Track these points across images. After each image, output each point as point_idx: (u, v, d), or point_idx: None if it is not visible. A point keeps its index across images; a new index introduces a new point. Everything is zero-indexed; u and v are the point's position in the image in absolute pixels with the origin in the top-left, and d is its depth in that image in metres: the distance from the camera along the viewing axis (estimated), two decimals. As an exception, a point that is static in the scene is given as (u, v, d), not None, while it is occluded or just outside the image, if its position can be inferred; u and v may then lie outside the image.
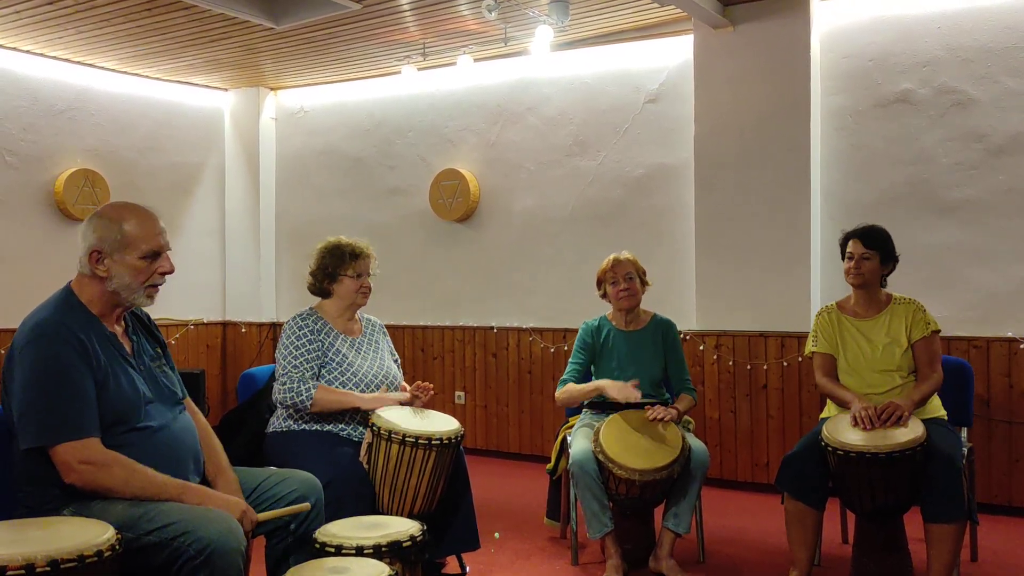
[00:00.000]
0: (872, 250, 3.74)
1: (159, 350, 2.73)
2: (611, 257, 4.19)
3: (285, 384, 3.52)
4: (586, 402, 4.21)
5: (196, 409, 2.84)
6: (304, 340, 3.60)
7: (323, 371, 3.60)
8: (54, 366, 2.36)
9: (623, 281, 4.11)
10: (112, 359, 2.49)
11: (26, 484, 2.43)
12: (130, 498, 2.36)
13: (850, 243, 3.79)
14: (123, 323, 2.63)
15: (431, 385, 3.74)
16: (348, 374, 3.62)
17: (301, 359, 3.56)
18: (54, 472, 2.37)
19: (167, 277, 2.60)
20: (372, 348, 3.80)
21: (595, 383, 4.05)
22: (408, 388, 3.76)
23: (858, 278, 3.76)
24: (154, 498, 2.38)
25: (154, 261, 2.54)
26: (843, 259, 3.85)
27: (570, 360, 4.22)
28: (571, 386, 4.11)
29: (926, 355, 3.67)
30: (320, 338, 3.64)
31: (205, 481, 2.66)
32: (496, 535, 4.43)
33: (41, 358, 2.36)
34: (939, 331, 3.73)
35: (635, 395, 3.87)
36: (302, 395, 3.48)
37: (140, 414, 2.50)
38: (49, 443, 2.33)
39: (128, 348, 2.59)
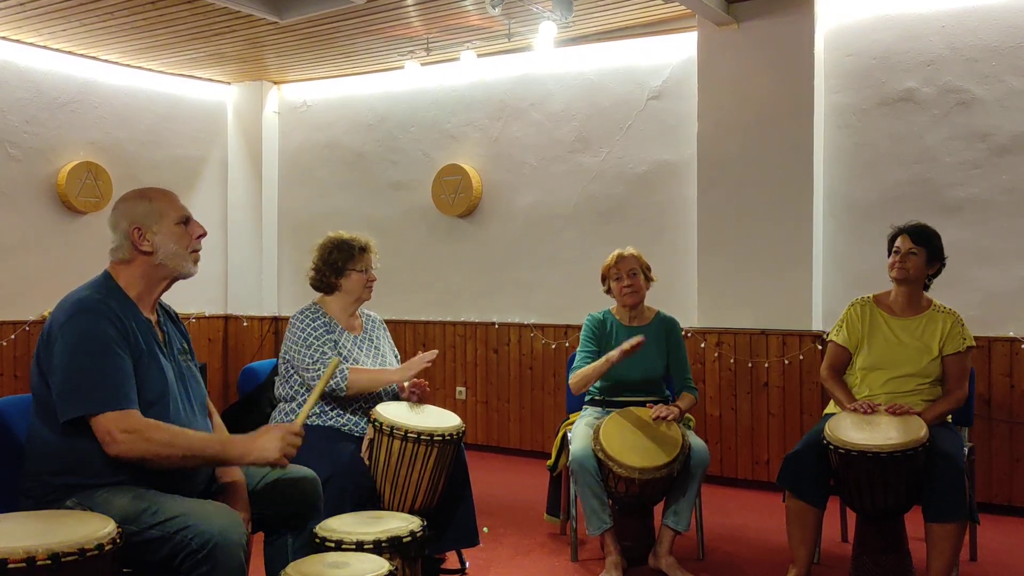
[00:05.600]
0: (919, 246, 3.71)
1: (186, 345, 2.76)
2: (615, 253, 4.18)
3: (311, 372, 3.50)
4: (587, 398, 4.21)
5: (213, 408, 2.85)
6: (320, 330, 3.60)
7: None
8: (96, 339, 2.40)
9: (627, 277, 4.10)
10: (148, 345, 2.53)
11: (37, 471, 2.44)
12: (178, 459, 2.39)
13: (899, 238, 3.76)
14: (155, 313, 2.67)
15: (426, 383, 3.73)
16: (353, 370, 3.62)
17: (325, 347, 3.55)
18: (64, 455, 2.38)
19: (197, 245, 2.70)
20: (372, 345, 3.80)
21: (604, 357, 3.99)
22: (404, 385, 3.75)
23: (901, 272, 3.72)
24: (199, 455, 2.43)
25: (187, 226, 2.63)
26: (888, 254, 3.81)
27: (579, 349, 4.19)
28: (582, 368, 4.08)
29: (956, 370, 3.66)
30: (328, 333, 3.64)
31: (212, 481, 2.67)
32: (485, 529, 4.40)
33: (84, 331, 2.40)
34: (974, 347, 3.71)
35: (638, 338, 3.84)
36: (335, 378, 3.46)
37: (168, 403, 2.52)
38: (93, 412, 2.35)
39: (160, 337, 2.63)
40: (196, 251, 2.66)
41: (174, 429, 2.43)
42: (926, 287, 3.82)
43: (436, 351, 3.69)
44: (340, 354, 3.62)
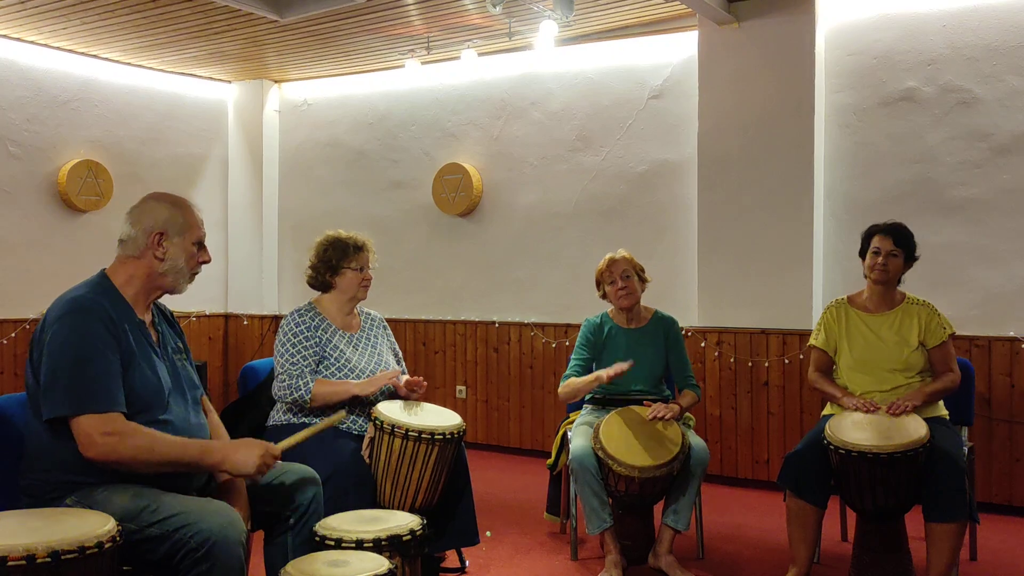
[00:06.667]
0: (899, 247, 3.71)
1: (180, 344, 2.76)
2: (607, 257, 4.18)
3: (284, 381, 3.52)
4: (587, 397, 4.21)
5: (211, 406, 2.85)
6: (301, 336, 3.60)
7: (320, 367, 3.60)
8: (86, 339, 2.40)
9: (620, 280, 4.10)
10: (140, 346, 2.53)
11: (37, 468, 2.45)
12: (156, 464, 2.39)
13: (876, 238, 3.74)
14: (150, 314, 2.67)
15: (423, 380, 3.72)
16: (345, 370, 3.62)
17: (299, 356, 3.56)
18: (64, 454, 2.39)
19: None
20: (370, 343, 3.79)
21: (593, 374, 4.03)
22: (401, 384, 3.74)
23: (882, 275, 3.71)
24: (178, 460, 2.41)
25: (199, 250, 2.67)
26: (862, 253, 3.80)
27: (572, 356, 4.22)
28: (572, 380, 4.11)
29: (942, 357, 3.69)
30: (318, 334, 3.63)
31: (212, 479, 2.67)
32: (488, 533, 4.41)
33: (74, 330, 2.40)
34: (954, 333, 3.73)
35: (624, 366, 3.84)
36: (300, 390, 3.48)
37: (163, 403, 2.53)
38: (73, 413, 2.35)
39: (155, 338, 2.63)
40: (196, 273, 2.69)
41: (155, 434, 2.41)
42: (899, 282, 3.83)
43: (399, 370, 3.67)
44: (330, 355, 3.62)
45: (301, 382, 3.50)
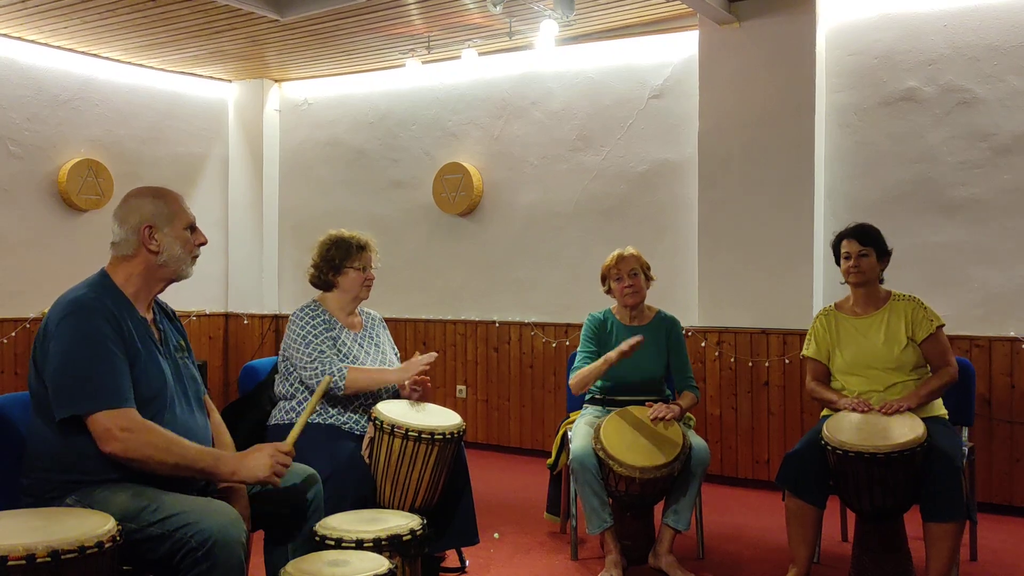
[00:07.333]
0: (868, 247, 3.75)
1: (182, 342, 2.76)
2: (615, 253, 4.17)
3: (317, 370, 3.49)
4: (587, 397, 4.21)
5: (212, 406, 2.85)
6: (320, 328, 3.60)
7: None
8: (93, 337, 2.40)
9: (627, 277, 4.10)
10: (144, 343, 2.53)
11: (38, 468, 2.45)
12: (170, 466, 2.39)
13: (844, 243, 3.79)
14: (151, 312, 2.67)
15: (427, 379, 3.73)
16: (353, 367, 3.62)
17: (323, 345, 3.55)
18: (66, 453, 2.39)
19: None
20: (373, 342, 3.80)
21: (602, 357, 3.99)
22: (405, 383, 3.75)
23: (859, 276, 3.76)
24: (191, 465, 2.42)
25: (192, 233, 2.67)
26: (837, 261, 3.86)
27: (579, 349, 4.19)
28: (582, 369, 4.09)
29: (936, 351, 3.69)
30: (327, 329, 3.64)
31: (211, 482, 2.67)
32: (496, 535, 4.42)
33: (80, 329, 2.40)
34: (943, 324, 3.73)
35: (636, 339, 3.83)
36: (334, 376, 3.47)
37: (166, 400, 2.53)
38: (89, 410, 2.35)
39: (156, 335, 2.63)
40: (196, 256, 2.70)
41: (171, 435, 2.42)
42: (881, 281, 3.84)
43: (435, 353, 3.67)
44: (340, 351, 3.62)
45: (334, 368, 3.47)
